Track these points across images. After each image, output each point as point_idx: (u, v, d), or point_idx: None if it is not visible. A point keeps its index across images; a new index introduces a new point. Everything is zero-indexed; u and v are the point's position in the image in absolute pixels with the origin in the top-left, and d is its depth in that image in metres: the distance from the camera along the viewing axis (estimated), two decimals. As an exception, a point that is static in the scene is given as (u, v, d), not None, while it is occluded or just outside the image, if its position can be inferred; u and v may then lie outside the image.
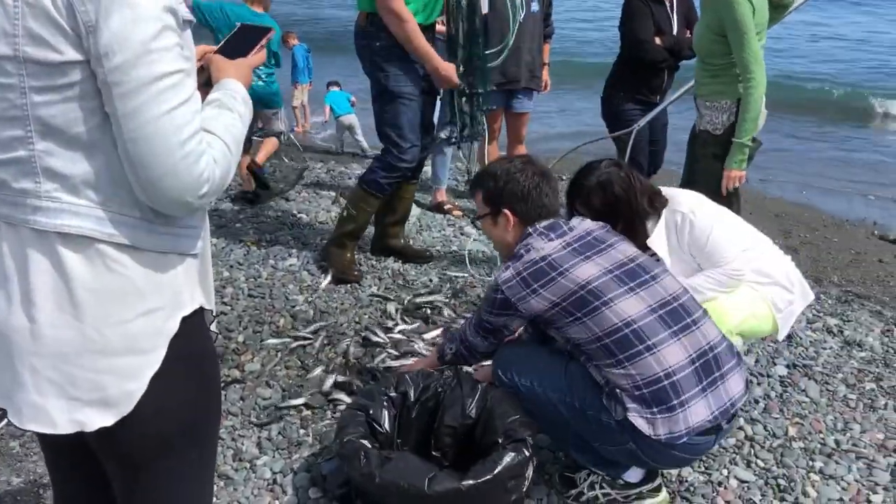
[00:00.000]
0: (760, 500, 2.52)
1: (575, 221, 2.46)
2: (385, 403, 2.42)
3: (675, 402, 2.15)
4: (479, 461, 2.18)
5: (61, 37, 1.12)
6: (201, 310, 1.40)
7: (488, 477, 2.09)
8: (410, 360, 3.13)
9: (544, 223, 2.42)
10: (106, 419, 1.28)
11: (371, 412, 2.37)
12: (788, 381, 3.30)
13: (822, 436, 2.89)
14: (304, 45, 11.53)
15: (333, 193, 5.90)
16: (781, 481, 2.62)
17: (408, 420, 2.47)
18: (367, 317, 3.64)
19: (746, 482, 2.61)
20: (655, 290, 2.29)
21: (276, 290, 3.87)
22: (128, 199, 1.23)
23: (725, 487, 2.57)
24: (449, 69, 3.81)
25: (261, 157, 5.89)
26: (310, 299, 3.80)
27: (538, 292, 2.27)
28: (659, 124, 5.01)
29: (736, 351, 2.35)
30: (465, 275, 4.19)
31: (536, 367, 2.40)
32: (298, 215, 5.15)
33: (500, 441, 2.23)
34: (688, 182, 3.64)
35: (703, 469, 2.66)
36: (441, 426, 2.44)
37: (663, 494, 2.42)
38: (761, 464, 2.71)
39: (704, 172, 3.56)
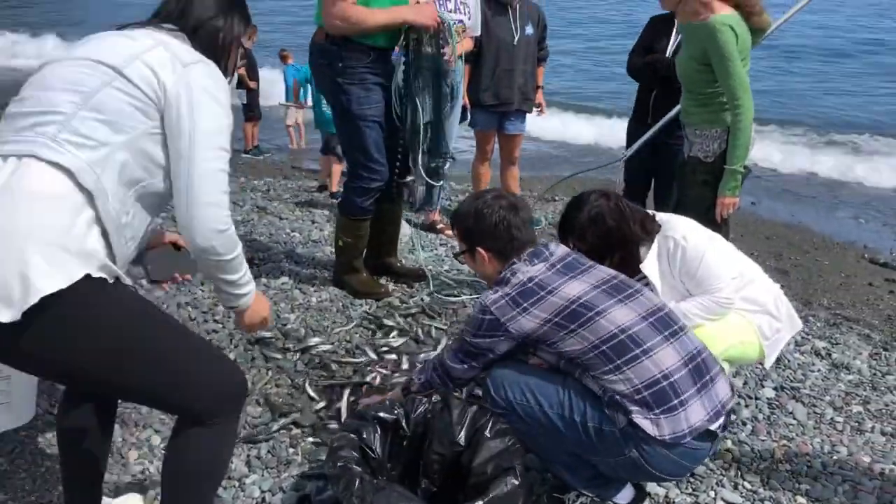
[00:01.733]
0: (747, 517, 2.54)
1: (553, 246, 2.53)
2: (378, 428, 2.42)
3: (676, 401, 2.20)
4: (468, 491, 2.19)
5: (157, 88, 1.76)
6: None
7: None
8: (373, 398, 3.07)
9: (527, 251, 2.49)
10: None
11: (364, 436, 2.38)
12: (776, 403, 3.32)
13: (808, 458, 2.91)
14: (296, 64, 11.54)
15: (327, 213, 5.93)
16: (768, 503, 2.63)
17: (399, 445, 2.47)
18: (357, 335, 3.66)
19: (733, 504, 2.63)
20: (642, 301, 2.36)
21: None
22: (110, 168, 1.72)
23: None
24: (422, 9, 3.62)
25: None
26: (301, 317, 3.81)
27: (528, 311, 2.31)
28: (664, 157, 4.79)
29: (716, 359, 2.42)
30: (458, 297, 4.21)
31: (531, 383, 2.40)
32: (291, 234, 5.18)
33: (488, 471, 2.24)
34: (678, 208, 3.68)
35: (690, 490, 2.67)
36: (430, 453, 2.44)
37: (652, 516, 2.44)
38: (748, 486, 2.72)
39: (695, 199, 3.59)
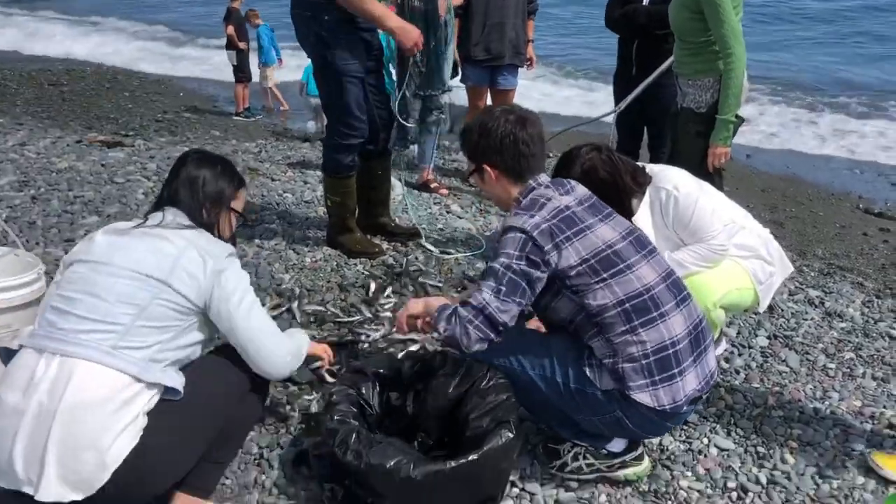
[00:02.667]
0: (740, 468, 2.57)
1: (573, 183, 2.46)
2: (375, 382, 2.44)
3: (676, 370, 2.21)
4: (464, 444, 2.22)
5: (196, 286, 2.05)
6: None
7: (473, 458, 2.12)
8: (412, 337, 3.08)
9: (544, 178, 2.41)
10: None
11: (362, 391, 2.40)
12: (769, 351, 3.35)
13: (800, 404, 2.95)
14: (267, 24, 11.39)
15: (319, 173, 5.88)
16: (760, 448, 2.67)
17: (396, 399, 2.49)
18: (352, 294, 3.66)
19: (726, 450, 2.66)
20: (660, 261, 2.36)
21: (261, 269, 3.88)
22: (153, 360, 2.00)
23: (705, 455, 2.62)
24: (410, 29, 3.66)
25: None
26: (296, 277, 3.82)
27: (572, 241, 2.21)
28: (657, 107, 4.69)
29: (709, 328, 2.43)
30: (454, 254, 4.21)
31: (512, 342, 2.39)
32: (284, 195, 5.15)
33: (485, 424, 2.26)
34: (671, 159, 3.67)
35: (683, 437, 2.71)
36: (427, 406, 2.46)
37: (646, 463, 2.46)
38: (741, 432, 2.76)
39: (688, 150, 3.58)
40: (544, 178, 2.42)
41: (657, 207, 2.87)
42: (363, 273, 3.92)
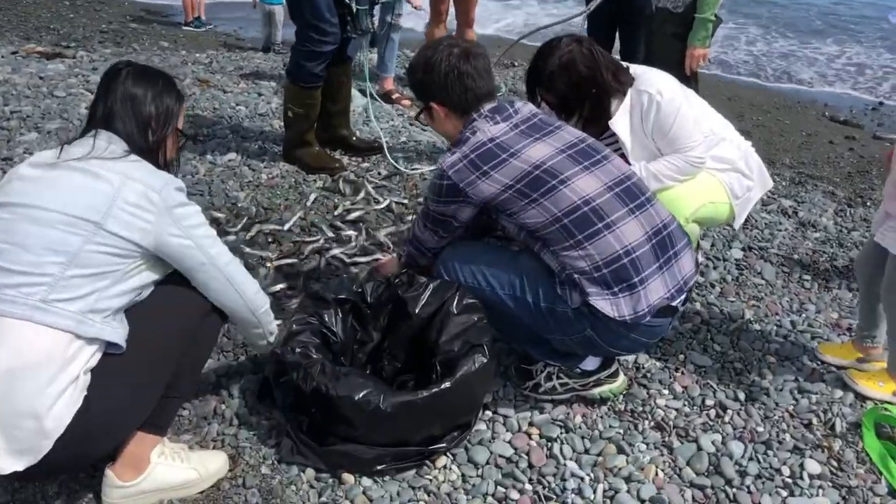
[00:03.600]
0: (717, 385, 2.51)
1: (519, 104, 2.34)
2: (337, 309, 2.29)
3: (636, 279, 2.10)
4: (435, 368, 2.11)
5: (138, 226, 1.79)
6: None
7: (445, 386, 2.02)
8: (377, 257, 3.04)
9: (488, 106, 2.29)
10: None
11: (325, 318, 2.25)
12: (745, 264, 3.27)
13: (777, 318, 2.88)
14: None
15: (274, 84, 5.60)
16: (738, 364, 2.61)
17: (361, 324, 2.36)
18: (313, 213, 3.48)
19: (703, 367, 2.59)
20: (609, 168, 2.23)
21: (215, 186, 3.67)
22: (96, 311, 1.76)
23: (682, 373, 2.55)
24: None
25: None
26: (252, 196, 3.62)
27: (488, 174, 2.15)
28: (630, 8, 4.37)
29: (685, 232, 2.31)
30: (417, 169, 4.03)
31: (481, 262, 2.29)
32: (237, 107, 4.88)
33: (456, 348, 2.14)
34: (645, 63, 3.47)
35: (659, 355, 2.63)
36: (394, 330, 2.33)
37: (621, 379, 2.38)
38: (718, 348, 2.69)
39: (663, 52, 3.41)
40: (487, 107, 2.29)
41: (637, 112, 2.70)
42: (323, 190, 3.72)
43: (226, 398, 2.39)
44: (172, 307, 1.96)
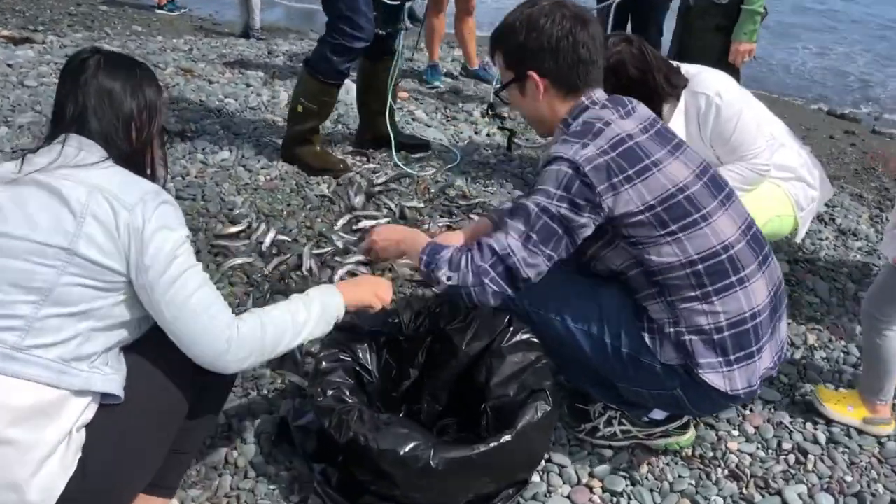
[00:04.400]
0: (791, 423, 2.24)
1: (634, 101, 1.95)
2: (372, 343, 1.98)
3: (755, 347, 1.80)
4: (486, 414, 1.84)
5: (113, 249, 1.45)
6: None
7: (505, 440, 1.71)
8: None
9: (600, 93, 1.90)
10: None
11: (357, 354, 1.94)
12: (794, 279, 3.01)
13: (843, 343, 2.62)
14: None
15: (262, 74, 5.23)
16: (810, 398, 2.34)
17: (396, 359, 2.05)
18: (319, 220, 3.15)
19: (772, 402, 2.33)
20: (738, 207, 1.89)
21: (208, 189, 3.32)
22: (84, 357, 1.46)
23: (751, 409, 2.28)
24: None
25: None
26: (250, 200, 3.27)
27: (633, 182, 1.73)
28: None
29: None
30: (429, 170, 3.71)
31: (555, 291, 1.94)
32: (225, 100, 4.51)
33: (512, 393, 1.85)
34: (678, 59, 3.19)
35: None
36: (435, 368, 2.03)
37: (691, 432, 2.09)
38: (785, 379, 2.44)
39: (704, 47, 3.12)
40: (600, 94, 1.90)
41: (693, 116, 2.43)
42: (328, 194, 3.39)
43: (238, 444, 2.07)
44: (180, 351, 1.64)
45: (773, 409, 2.30)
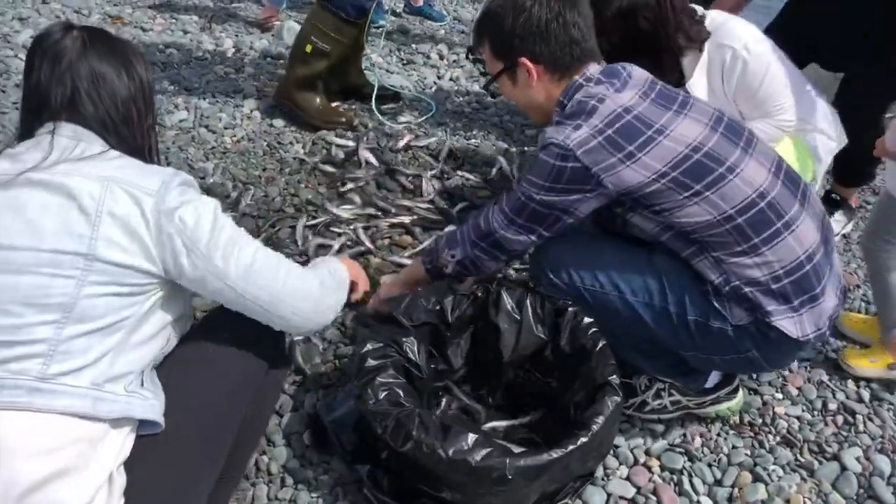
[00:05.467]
0: (831, 382, 2.22)
1: (628, 66, 1.86)
2: (416, 335, 1.82)
3: (818, 289, 1.73)
4: (552, 415, 1.75)
5: (138, 246, 1.28)
6: None
7: (582, 442, 1.59)
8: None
9: (595, 68, 1.81)
10: None
11: (403, 348, 1.78)
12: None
13: (862, 291, 2.60)
14: None
15: (196, 18, 4.82)
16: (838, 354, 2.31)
17: (441, 350, 1.90)
18: (303, 185, 2.92)
19: (808, 359, 2.30)
20: (763, 149, 1.80)
21: (172, 156, 3.02)
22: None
23: (790, 370, 2.24)
24: None
25: None
26: (221, 166, 3.00)
27: (635, 157, 1.65)
28: None
29: None
30: (409, 121, 3.49)
31: (604, 262, 1.83)
32: (167, 51, 4.12)
33: (576, 386, 1.74)
34: None
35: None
36: (483, 358, 1.89)
37: (740, 395, 2.04)
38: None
39: None
40: (594, 68, 1.81)
41: (717, 69, 2.29)
42: (307, 155, 3.14)
43: (266, 447, 1.90)
44: (224, 361, 1.46)
45: (808, 368, 2.26)
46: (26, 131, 1.38)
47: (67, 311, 1.21)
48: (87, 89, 1.36)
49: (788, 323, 1.70)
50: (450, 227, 2.50)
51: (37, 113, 1.37)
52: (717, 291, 1.73)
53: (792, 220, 1.71)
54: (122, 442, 1.27)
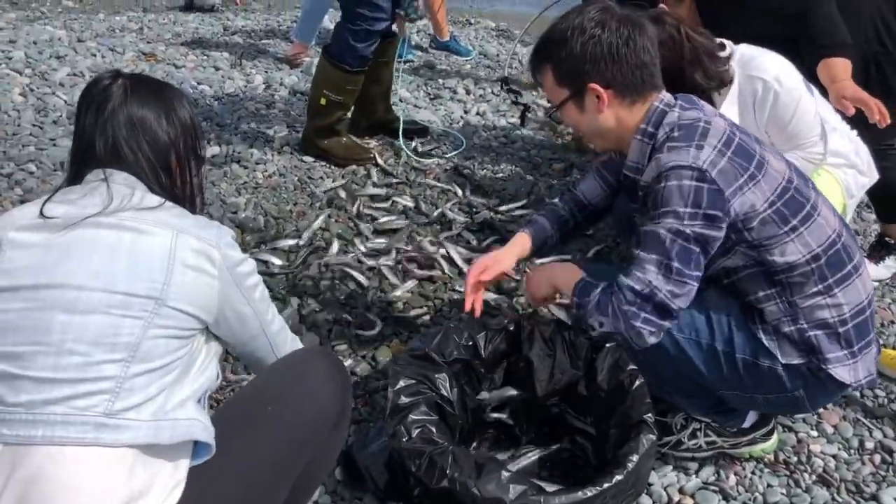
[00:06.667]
0: (866, 419, 2.18)
1: (693, 97, 1.83)
2: (450, 372, 1.83)
3: (872, 335, 1.74)
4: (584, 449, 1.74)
5: (198, 295, 1.34)
6: None
7: (618, 479, 1.59)
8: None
9: (666, 94, 1.76)
10: None
11: (436, 385, 1.78)
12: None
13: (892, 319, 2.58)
14: None
15: (227, 55, 4.93)
16: (879, 391, 2.28)
17: (473, 385, 1.91)
18: (333, 221, 2.95)
19: (843, 397, 2.25)
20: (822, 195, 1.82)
21: (206, 191, 3.06)
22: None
23: (826, 408, 2.21)
24: None
25: None
26: (253, 201, 3.05)
27: (756, 179, 1.62)
28: None
29: None
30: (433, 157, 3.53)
31: None
32: (199, 87, 4.22)
33: (612, 423, 1.74)
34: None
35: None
36: (518, 395, 1.90)
37: (775, 437, 2.02)
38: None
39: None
40: (666, 95, 1.77)
41: (748, 102, 2.29)
42: (334, 189, 3.19)
43: (299, 484, 1.90)
44: (297, 413, 1.44)
45: (844, 406, 2.23)
46: (74, 175, 1.42)
47: (133, 350, 1.25)
48: (126, 137, 1.39)
49: (843, 370, 1.70)
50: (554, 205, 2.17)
51: (84, 160, 1.41)
52: (771, 330, 1.72)
53: (859, 264, 1.73)
54: (175, 478, 1.28)
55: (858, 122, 2.37)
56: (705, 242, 1.60)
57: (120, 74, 1.45)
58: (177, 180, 1.46)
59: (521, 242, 2.03)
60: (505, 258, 1.99)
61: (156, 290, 1.27)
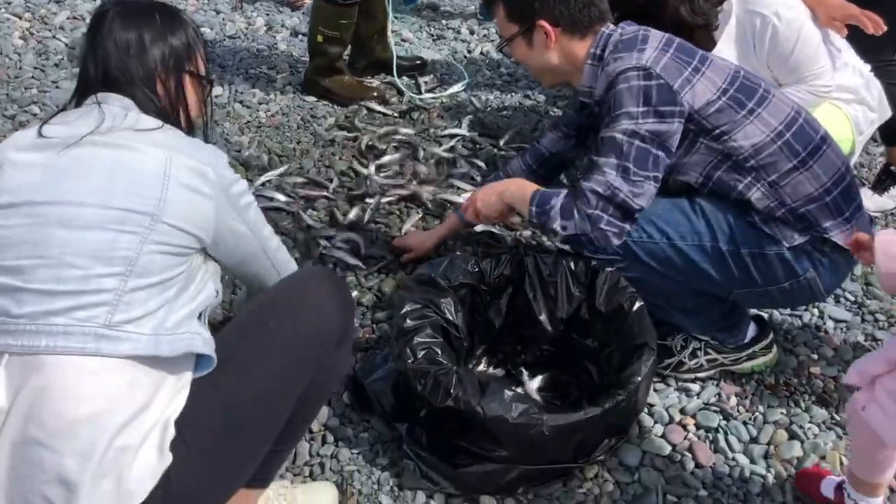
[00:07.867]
0: (867, 342, 2.22)
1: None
2: (455, 297, 1.85)
3: (860, 199, 1.83)
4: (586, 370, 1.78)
5: (193, 214, 1.37)
6: None
7: (619, 399, 1.63)
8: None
9: (612, 26, 1.87)
10: None
11: (442, 309, 1.81)
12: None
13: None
14: None
15: (227, -5, 4.87)
16: (880, 316, 2.31)
17: (479, 310, 1.93)
18: (337, 158, 2.96)
19: (843, 321, 2.30)
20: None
21: (208, 131, 3.07)
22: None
23: (825, 331, 2.25)
24: None
25: None
26: (257, 140, 3.05)
27: (701, 71, 1.73)
28: None
29: None
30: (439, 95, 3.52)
31: (649, 212, 1.79)
32: (200, 29, 4.14)
33: (612, 345, 1.77)
34: None
35: (788, 311, 2.30)
36: (522, 315, 1.92)
37: (775, 351, 2.06)
38: (850, 297, 2.39)
39: None
40: (611, 27, 1.86)
41: (748, 37, 2.26)
42: (336, 127, 3.18)
43: (307, 409, 1.95)
44: (300, 327, 1.46)
45: (846, 329, 2.26)
46: (77, 104, 1.44)
47: (130, 264, 1.27)
48: (115, 60, 1.41)
49: (844, 237, 1.75)
50: (515, 161, 2.31)
51: (83, 88, 1.44)
52: (767, 218, 1.76)
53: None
54: (178, 388, 1.31)
55: (852, 40, 2.35)
56: (662, 139, 1.68)
57: (119, 3, 1.46)
58: (171, 102, 1.47)
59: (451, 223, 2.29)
60: (428, 240, 2.28)
61: (151, 206, 1.30)
